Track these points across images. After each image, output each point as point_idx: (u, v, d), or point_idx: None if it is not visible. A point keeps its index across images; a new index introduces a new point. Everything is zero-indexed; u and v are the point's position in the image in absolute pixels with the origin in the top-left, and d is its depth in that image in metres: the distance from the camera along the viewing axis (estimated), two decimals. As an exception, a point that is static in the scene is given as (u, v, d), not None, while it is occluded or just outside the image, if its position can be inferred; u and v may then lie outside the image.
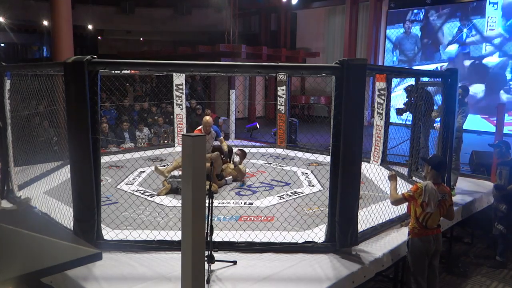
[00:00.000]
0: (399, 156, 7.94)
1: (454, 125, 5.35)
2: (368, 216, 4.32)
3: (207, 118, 6.45)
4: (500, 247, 5.29)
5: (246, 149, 7.25)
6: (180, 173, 5.44)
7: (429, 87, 6.10)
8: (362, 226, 4.05)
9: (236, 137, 10.24)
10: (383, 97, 7.12)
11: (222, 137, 6.68)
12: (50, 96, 5.22)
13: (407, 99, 6.76)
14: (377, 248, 3.89)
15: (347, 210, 3.71)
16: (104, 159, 7.13)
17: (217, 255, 3.37)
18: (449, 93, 5.18)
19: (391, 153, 7.92)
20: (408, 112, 6.79)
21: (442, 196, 3.68)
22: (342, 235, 3.72)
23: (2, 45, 21.93)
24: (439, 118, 5.54)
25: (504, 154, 5.42)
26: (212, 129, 6.35)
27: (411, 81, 6.72)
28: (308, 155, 8.26)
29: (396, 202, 3.87)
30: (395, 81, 7.21)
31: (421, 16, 15.00)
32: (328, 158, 3.93)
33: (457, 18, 14.15)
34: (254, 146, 9.20)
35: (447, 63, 14.28)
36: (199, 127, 6.48)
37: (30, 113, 5.99)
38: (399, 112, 7.00)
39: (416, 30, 15.20)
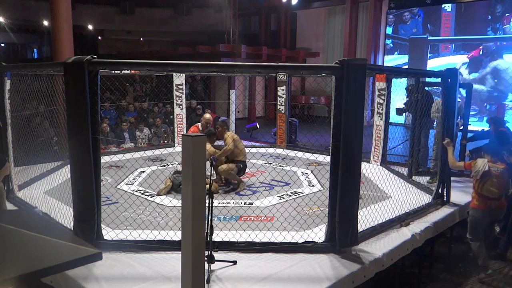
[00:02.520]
0: (398, 156, 7.94)
1: (455, 126, 5.35)
2: (368, 216, 4.32)
3: (207, 115, 6.50)
4: (502, 242, 5.37)
5: (246, 149, 7.21)
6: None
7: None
8: (362, 226, 4.05)
9: (236, 137, 10.22)
10: (383, 97, 7.12)
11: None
12: (50, 96, 5.22)
13: (408, 99, 6.76)
14: (377, 248, 3.89)
15: (347, 210, 3.71)
16: (104, 159, 7.12)
17: (217, 255, 3.37)
18: (449, 93, 5.18)
19: (392, 153, 7.92)
20: (408, 112, 6.79)
21: (497, 170, 4.56)
22: (342, 235, 3.72)
23: (2, 45, 21.94)
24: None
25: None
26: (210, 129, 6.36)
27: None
28: (308, 155, 8.26)
29: (456, 167, 4.99)
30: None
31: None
32: (328, 158, 3.93)
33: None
34: (254, 146, 9.20)
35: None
36: (196, 124, 6.48)
37: (31, 113, 5.99)
38: (399, 112, 7.01)
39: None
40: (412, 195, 5.27)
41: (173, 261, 3.44)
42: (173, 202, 5.17)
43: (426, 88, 6.39)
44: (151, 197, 5.38)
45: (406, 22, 13.56)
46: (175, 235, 3.80)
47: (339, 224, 3.72)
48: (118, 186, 5.84)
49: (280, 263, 3.55)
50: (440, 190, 5.25)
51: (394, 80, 7.07)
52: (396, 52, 15.01)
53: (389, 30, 14.37)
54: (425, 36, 13.37)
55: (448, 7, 12.67)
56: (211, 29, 20.07)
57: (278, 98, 9.17)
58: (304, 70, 4.87)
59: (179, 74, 8.42)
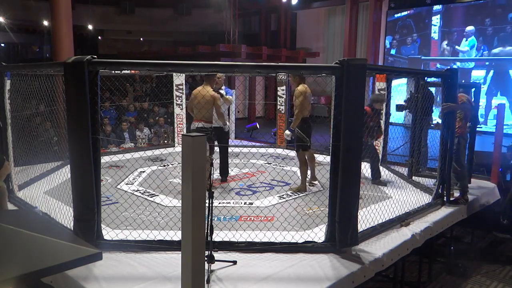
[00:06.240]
0: (398, 156, 7.93)
1: (454, 126, 5.36)
2: (368, 216, 4.32)
3: (220, 73, 6.14)
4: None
5: (246, 149, 7.22)
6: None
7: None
8: (362, 226, 4.05)
9: (236, 137, 10.24)
10: (383, 97, 7.10)
11: (230, 97, 6.63)
12: (50, 96, 5.22)
13: (409, 96, 6.76)
14: (377, 248, 3.89)
15: (347, 210, 3.71)
16: (104, 159, 7.12)
17: (217, 255, 3.37)
18: (449, 93, 5.18)
19: (392, 153, 7.91)
20: (407, 110, 6.79)
21: None
22: (342, 235, 3.72)
23: (2, 45, 21.94)
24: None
25: None
26: (223, 88, 6.34)
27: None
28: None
29: None
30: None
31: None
32: (328, 158, 3.93)
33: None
34: (254, 146, 9.20)
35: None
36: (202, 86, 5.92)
37: (31, 113, 5.98)
38: (399, 108, 7.00)
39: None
40: (412, 195, 5.27)
41: (173, 261, 3.44)
42: (173, 202, 5.17)
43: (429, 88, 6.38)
44: (151, 197, 5.39)
45: (408, 45, 16.63)
46: (175, 235, 3.80)
47: (339, 224, 3.72)
48: (118, 186, 5.85)
49: (280, 263, 3.55)
50: (440, 190, 5.25)
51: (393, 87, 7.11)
52: (397, 67, 16.67)
53: (393, 51, 16.93)
54: (420, 56, 16.34)
55: (436, 36, 15.68)
56: (211, 29, 20.09)
57: (278, 98, 9.17)
58: (304, 70, 4.89)
59: (179, 74, 8.42)
